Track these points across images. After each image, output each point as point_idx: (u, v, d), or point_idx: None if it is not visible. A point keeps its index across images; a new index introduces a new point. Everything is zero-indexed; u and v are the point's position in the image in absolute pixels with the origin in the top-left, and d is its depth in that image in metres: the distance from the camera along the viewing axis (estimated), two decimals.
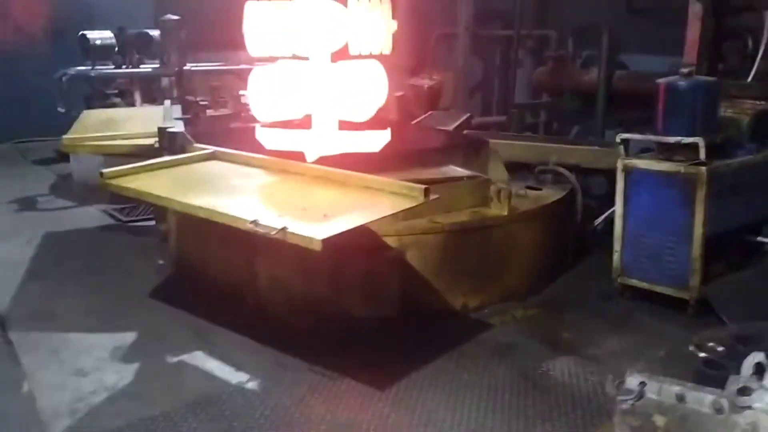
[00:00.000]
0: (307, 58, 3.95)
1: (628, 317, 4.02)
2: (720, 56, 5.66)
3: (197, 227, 4.26)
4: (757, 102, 4.52)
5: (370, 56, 3.98)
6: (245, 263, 4.02)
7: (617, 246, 4.18)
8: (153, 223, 5.43)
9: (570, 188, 4.73)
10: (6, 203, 6.38)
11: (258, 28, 3.97)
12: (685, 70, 3.85)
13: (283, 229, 2.67)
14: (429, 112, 6.50)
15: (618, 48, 6.59)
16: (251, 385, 3.26)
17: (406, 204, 3.13)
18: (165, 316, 4.02)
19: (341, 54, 4.01)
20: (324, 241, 2.62)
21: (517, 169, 5.06)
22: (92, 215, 6.02)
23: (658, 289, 4.03)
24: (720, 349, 2.64)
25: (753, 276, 4.06)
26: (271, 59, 4.12)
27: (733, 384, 2.09)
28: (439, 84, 7.08)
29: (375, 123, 4.01)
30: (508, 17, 7.34)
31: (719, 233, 3.89)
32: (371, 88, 3.92)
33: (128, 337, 3.73)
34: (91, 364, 3.44)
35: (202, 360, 3.49)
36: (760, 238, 4.18)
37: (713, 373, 2.34)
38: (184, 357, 3.51)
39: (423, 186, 3.14)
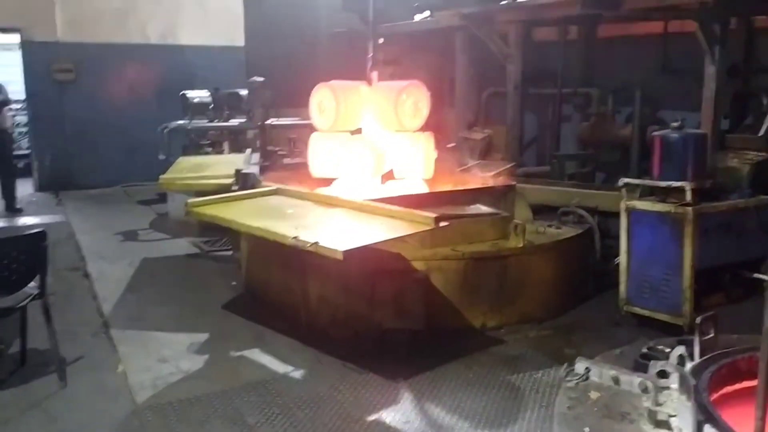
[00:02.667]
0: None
1: (629, 339, 4.51)
2: (744, 113, 6.13)
3: (264, 254, 5.12)
4: (759, 153, 5.00)
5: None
6: (299, 284, 4.77)
7: (623, 278, 4.70)
8: (230, 252, 6.37)
9: (588, 228, 5.29)
10: (113, 234, 7.53)
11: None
12: (675, 124, 4.40)
13: (315, 243, 3.44)
14: (478, 161, 7.22)
15: (656, 105, 7.13)
16: (294, 374, 4.02)
17: (420, 228, 3.83)
18: (233, 323, 4.86)
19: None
20: (345, 252, 3.35)
21: (546, 211, 5.69)
22: (182, 246, 7.02)
23: (658, 316, 4.51)
24: (666, 349, 3.16)
25: (746, 308, 4.49)
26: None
27: (653, 368, 2.67)
28: (490, 137, 7.81)
29: None
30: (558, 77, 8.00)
31: (709, 267, 4.37)
32: None
33: (202, 336, 4.58)
34: (171, 354, 4.30)
35: (258, 355, 4.28)
36: (756, 275, 4.61)
37: (647, 363, 2.88)
38: (244, 352, 4.33)
39: (434, 215, 3.84)
